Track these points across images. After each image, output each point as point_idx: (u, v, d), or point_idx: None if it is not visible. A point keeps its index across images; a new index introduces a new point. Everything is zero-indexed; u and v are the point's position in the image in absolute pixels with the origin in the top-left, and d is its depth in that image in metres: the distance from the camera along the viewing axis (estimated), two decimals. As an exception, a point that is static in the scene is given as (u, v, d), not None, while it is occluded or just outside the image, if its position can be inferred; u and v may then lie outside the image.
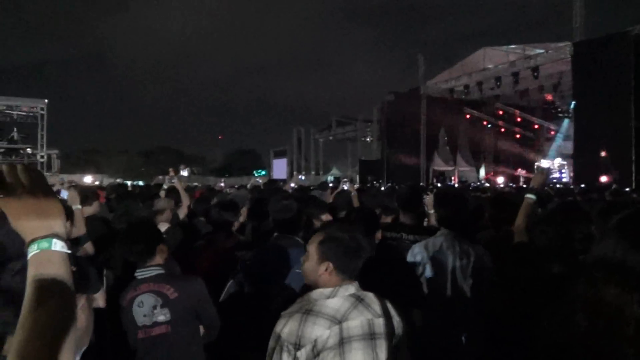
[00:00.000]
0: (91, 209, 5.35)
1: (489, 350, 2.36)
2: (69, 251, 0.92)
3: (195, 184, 38.02)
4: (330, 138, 47.77)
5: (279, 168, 53.69)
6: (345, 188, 6.11)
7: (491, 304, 2.39)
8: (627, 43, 18.37)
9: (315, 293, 1.76)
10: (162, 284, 2.33)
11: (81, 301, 1.11)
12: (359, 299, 1.73)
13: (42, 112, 40.05)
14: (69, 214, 4.22)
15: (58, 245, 0.90)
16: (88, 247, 4.12)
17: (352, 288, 1.77)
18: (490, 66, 27.31)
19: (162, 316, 2.29)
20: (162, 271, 2.38)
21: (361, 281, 1.83)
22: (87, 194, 5.59)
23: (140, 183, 39.28)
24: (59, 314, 0.84)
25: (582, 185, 17.43)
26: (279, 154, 54.65)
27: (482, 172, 33.22)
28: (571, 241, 2.16)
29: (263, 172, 63.04)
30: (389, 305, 1.80)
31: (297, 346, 1.60)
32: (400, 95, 32.95)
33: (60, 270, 0.88)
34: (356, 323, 1.66)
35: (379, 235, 2.70)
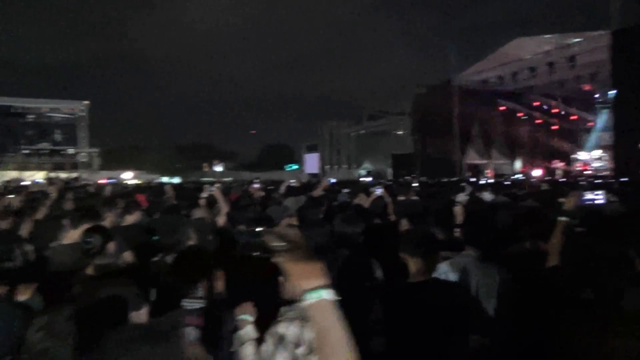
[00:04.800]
0: (133, 218, 5.64)
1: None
2: (339, 297, 1.16)
3: (230, 178, 38.71)
4: (362, 132, 47.59)
5: (311, 162, 53.88)
6: (378, 193, 6.17)
7: (517, 327, 2.43)
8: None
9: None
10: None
11: None
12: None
13: (82, 113, 41.47)
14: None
15: (330, 294, 1.14)
16: (127, 256, 4.33)
17: None
18: (524, 56, 26.63)
19: None
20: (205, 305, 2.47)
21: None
22: (129, 204, 5.88)
23: (176, 179, 40.26)
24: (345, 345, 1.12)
25: (622, 180, 16.98)
26: (311, 149, 54.82)
27: (518, 165, 32.54)
28: (600, 266, 2.18)
29: (295, 167, 63.38)
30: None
31: (297, 345, 2.01)
32: (432, 88, 32.56)
33: (333, 314, 1.13)
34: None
35: (439, 256, 2.73)
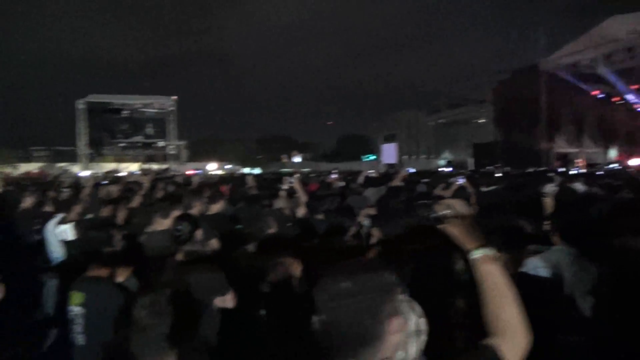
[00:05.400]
0: (217, 207, 5.89)
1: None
2: (496, 252, 1.43)
3: (308, 169, 39.41)
4: (441, 121, 46.36)
5: (389, 152, 53.36)
6: (460, 182, 6.00)
7: (616, 326, 2.26)
8: None
9: None
10: None
11: None
12: (409, 302, 1.99)
13: (171, 108, 44.15)
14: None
15: (492, 251, 1.41)
16: (213, 243, 4.54)
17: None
18: (620, 36, 24.48)
19: None
20: None
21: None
22: (214, 194, 6.16)
23: (257, 170, 41.65)
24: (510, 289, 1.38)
25: None
26: (388, 139, 54.30)
27: (613, 153, 30.18)
28: None
29: (372, 157, 63.09)
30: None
31: None
32: (517, 73, 30.96)
33: (497, 265, 1.40)
34: (412, 322, 1.92)
35: (526, 250, 2.66)
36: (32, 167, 43.80)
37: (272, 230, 3.62)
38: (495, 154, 31.78)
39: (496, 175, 14.76)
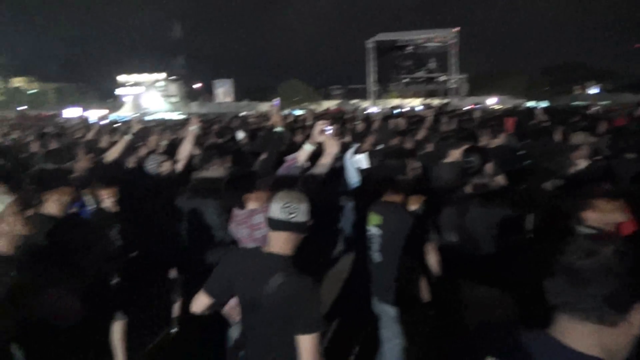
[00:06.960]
0: (499, 140, 5.63)
1: None
2: None
3: (608, 101, 33.73)
4: None
5: None
6: None
7: None
8: None
9: None
10: None
11: None
12: None
13: (452, 40, 43.65)
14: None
15: None
16: (500, 179, 4.35)
17: None
18: None
19: None
20: None
21: None
22: (497, 127, 5.89)
23: (544, 104, 37.88)
24: None
25: None
26: None
27: None
28: None
29: None
30: None
31: None
32: None
33: None
34: None
35: None
36: (331, 104, 49.88)
37: (572, 168, 3.24)
38: None
39: None
